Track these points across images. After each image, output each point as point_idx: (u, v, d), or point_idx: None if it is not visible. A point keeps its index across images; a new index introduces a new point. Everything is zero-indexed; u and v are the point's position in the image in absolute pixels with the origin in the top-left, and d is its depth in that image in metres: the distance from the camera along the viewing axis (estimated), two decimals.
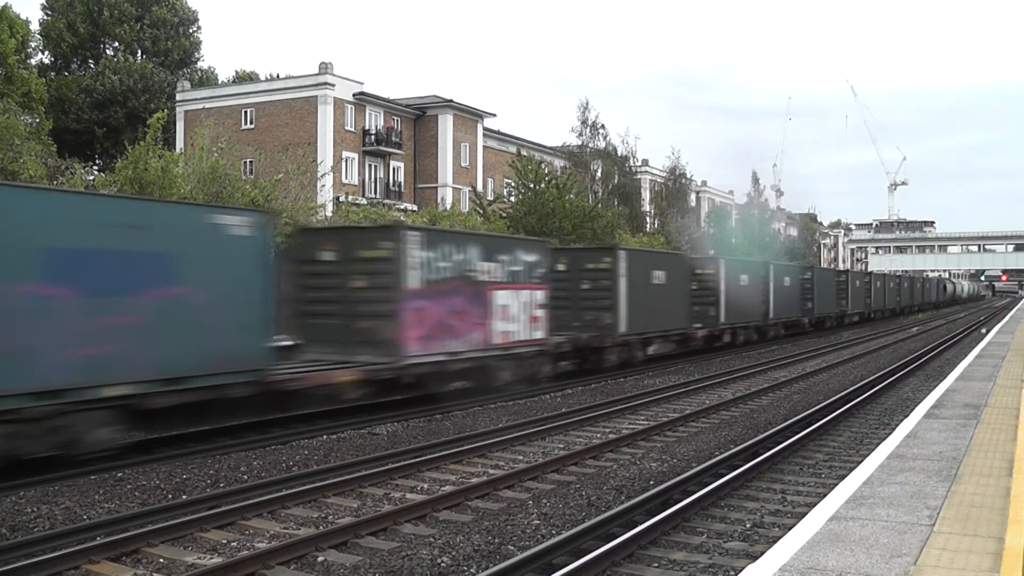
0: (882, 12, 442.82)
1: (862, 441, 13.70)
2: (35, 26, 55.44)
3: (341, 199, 39.73)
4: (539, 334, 19.55)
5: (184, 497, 10.17)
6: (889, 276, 66.77)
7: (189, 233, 12.46)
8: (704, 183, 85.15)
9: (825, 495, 7.77)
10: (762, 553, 6.18)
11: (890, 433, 11.10)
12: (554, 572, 7.31)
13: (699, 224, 69.30)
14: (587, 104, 64.66)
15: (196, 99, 51.28)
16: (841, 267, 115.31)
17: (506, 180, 47.65)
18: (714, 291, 29.35)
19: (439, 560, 7.99)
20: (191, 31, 61.64)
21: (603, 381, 21.70)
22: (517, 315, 18.80)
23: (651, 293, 24.52)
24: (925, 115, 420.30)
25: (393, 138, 52.73)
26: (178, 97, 52.28)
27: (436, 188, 53.50)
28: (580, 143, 56.20)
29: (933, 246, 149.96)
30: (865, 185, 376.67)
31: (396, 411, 16.23)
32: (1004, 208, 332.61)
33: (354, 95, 50.25)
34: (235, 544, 8.53)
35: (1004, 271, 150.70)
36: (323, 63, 49.24)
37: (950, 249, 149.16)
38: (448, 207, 44.90)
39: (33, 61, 53.31)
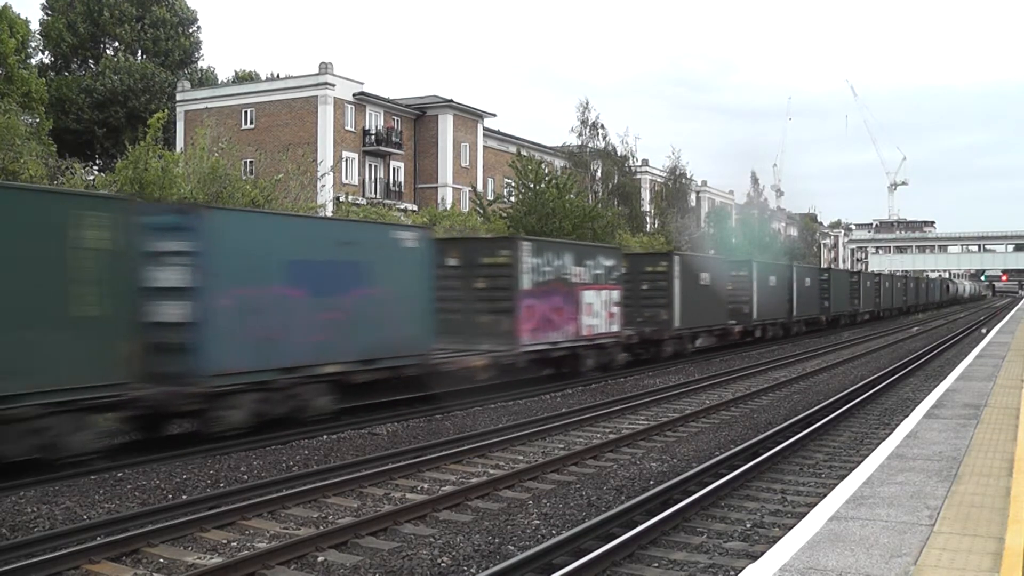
0: (882, 12, 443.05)
1: (862, 441, 13.71)
2: (35, 26, 55.48)
3: (341, 199, 39.74)
4: (615, 328, 22.85)
5: (184, 497, 10.17)
6: (896, 277, 70.02)
7: (378, 246, 15.72)
8: (704, 183, 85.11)
9: (825, 495, 7.77)
10: (762, 553, 6.19)
11: (890, 433, 11.10)
12: (554, 572, 7.31)
13: (699, 224, 69.27)
14: (587, 104, 64.59)
15: (196, 99, 51.29)
16: (841, 267, 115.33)
17: (506, 180, 47.64)
18: (748, 291, 32.41)
19: (439, 560, 7.99)
20: (191, 31, 61.65)
21: (603, 381, 21.72)
22: (599, 311, 22.08)
23: (698, 293, 27.73)
24: (925, 115, 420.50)
25: (393, 138, 52.73)
26: (178, 97, 52.28)
27: (436, 188, 53.51)
28: (580, 143, 56.18)
29: (933, 246, 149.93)
30: (865, 185, 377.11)
31: (396, 411, 16.25)
32: (1004, 208, 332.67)
33: (354, 95, 50.25)
34: (235, 544, 8.53)
35: (1004, 271, 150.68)
36: (323, 63, 49.25)
37: (950, 249, 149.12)
38: (448, 207, 44.91)
39: (33, 61, 53.30)
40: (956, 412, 11.71)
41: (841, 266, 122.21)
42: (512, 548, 8.34)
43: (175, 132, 50.01)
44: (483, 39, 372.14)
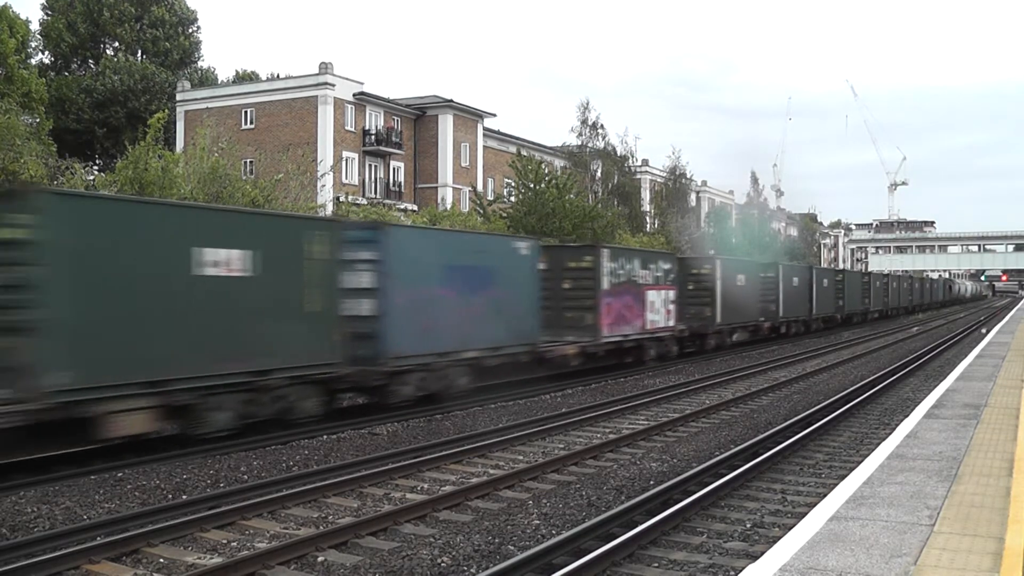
0: (882, 12, 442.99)
1: (862, 441, 13.70)
2: (35, 26, 55.42)
3: (341, 199, 39.74)
4: (671, 323, 26.24)
5: (184, 497, 10.17)
6: (903, 277, 74.42)
7: (502, 254, 19.11)
8: (704, 183, 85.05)
9: (825, 495, 7.76)
10: (762, 553, 6.18)
11: (890, 433, 11.10)
12: (554, 572, 7.31)
13: (699, 224, 69.26)
14: (587, 104, 64.61)
15: (196, 99, 51.27)
16: (841, 267, 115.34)
17: (506, 180, 47.64)
18: (775, 291, 35.54)
19: (439, 560, 7.99)
20: (191, 31, 61.63)
21: (603, 381, 21.73)
22: (659, 308, 25.50)
23: (735, 293, 30.87)
24: (925, 115, 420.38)
25: (393, 138, 52.70)
26: (178, 97, 52.25)
27: (436, 188, 53.48)
28: (580, 143, 56.15)
29: (933, 246, 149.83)
30: (865, 185, 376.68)
31: (396, 411, 16.25)
32: (1004, 208, 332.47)
33: (354, 95, 50.24)
34: (235, 544, 8.53)
35: (1004, 271, 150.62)
36: (323, 63, 49.22)
37: (950, 249, 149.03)
38: (448, 207, 44.90)
39: (33, 61, 53.22)
40: (956, 412, 11.71)
41: (841, 266, 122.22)
42: (512, 548, 8.34)
43: (175, 132, 49.98)
44: (483, 39, 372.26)
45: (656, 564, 7.92)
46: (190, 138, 38.59)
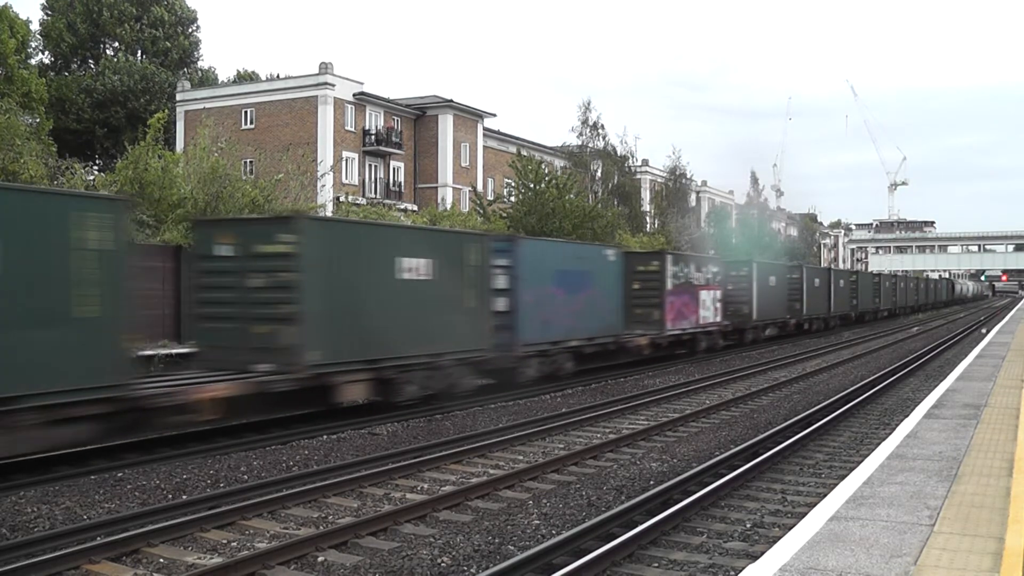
0: (882, 13, 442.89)
1: (862, 441, 13.70)
2: (35, 26, 55.40)
3: (341, 199, 39.75)
4: (718, 319, 29.59)
5: (184, 497, 10.17)
6: (910, 278, 78.14)
7: (595, 259, 22.80)
8: (704, 183, 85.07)
9: (825, 495, 7.76)
10: (762, 553, 6.18)
11: (890, 433, 11.09)
12: (554, 572, 7.30)
13: (699, 224, 69.29)
14: (589, 104, 64.57)
15: (196, 99, 51.28)
16: (841, 267, 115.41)
17: (506, 180, 47.63)
18: (799, 291, 39.03)
19: (439, 560, 7.99)
20: (190, 31, 61.63)
21: (603, 381, 21.74)
22: (709, 306, 28.75)
23: (768, 293, 34.62)
24: (925, 115, 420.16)
25: (393, 138, 52.71)
26: (178, 97, 52.27)
27: (436, 188, 53.50)
28: (580, 143, 56.14)
29: (933, 246, 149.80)
30: (865, 185, 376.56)
31: (396, 411, 16.25)
32: (1004, 208, 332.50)
33: (354, 95, 50.25)
34: (235, 544, 8.53)
35: (1004, 271, 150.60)
36: (323, 63, 49.23)
37: (950, 249, 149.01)
38: (448, 207, 44.90)
39: (33, 61, 53.22)
40: (956, 412, 11.71)
41: (841, 266, 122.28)
42: (512, 548, 8.34)
43: (175, 132, 49.99)
44: (483, 39, 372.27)
45: (656, 564, 7.92)
46: (190, 138, 38.60)
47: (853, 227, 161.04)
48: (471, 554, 8.16)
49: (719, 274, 29.76)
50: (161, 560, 8.07)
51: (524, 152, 40.34)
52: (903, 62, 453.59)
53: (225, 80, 62.53)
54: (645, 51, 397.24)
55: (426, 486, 10.90)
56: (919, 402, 14.26)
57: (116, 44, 57.60)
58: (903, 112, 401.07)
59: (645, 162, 73.13)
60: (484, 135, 58.12)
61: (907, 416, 12.13)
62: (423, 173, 54.66)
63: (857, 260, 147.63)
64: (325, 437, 13.98)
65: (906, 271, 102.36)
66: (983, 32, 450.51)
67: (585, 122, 55.81)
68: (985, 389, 14.22)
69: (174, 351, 18.66)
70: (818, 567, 5.44)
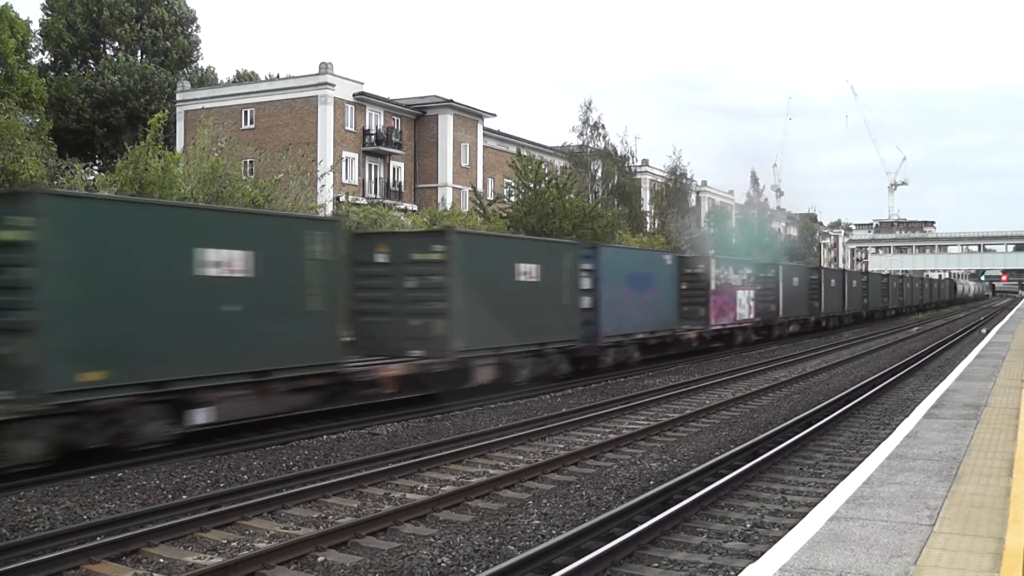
0: (882, 13, 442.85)
1: (862, 441, 13.70)
2: (35, 26, 55.36)
3: (341, 199, 39.75)
4: (751, 316, 32.96)
5: (184, 497, 10.17)
6: (915, 278, 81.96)
7: (656, 263, 26.24)
8: (704, 183, 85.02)
9: (825, 495, 7.76)
10: (762, 553, 6.18)
11: (890, 433, 11.09)
12: (554, 572, 7.31)
13: (699, 224, 69.24)
14: (590, 103, 64.47)
15: (196, 99, 51.24)
16: (840, 267, 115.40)
17: (506, 180, 47.61)
18: (818, 291, 42.13)
19: (439, 560, 7.99)
20: (190, 31, 61.62)
21: (603, 381, 21.74)
22: (744, 304, 32.02)
23: (792, 292, 37.75)
24: (925, 115, 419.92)
25: (393, 138, 52.69)
26: (178, 97, 52.23)
27: (436, 188, 53.47)
28: (581, 143, 56.09)
29: (933, 246, 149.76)
30: (865, 185, 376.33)
31: (396, 411, 16.26)
32: (1004, 208, 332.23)
33: (354, 95, 50.23)
34: (235, 544, 8.53)
35: (1004, 271, 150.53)
36: (323, 63, 49.21)
37: (950, 249, 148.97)
38: (448, 207, 44.87)
39: (33, 61, 53.16)
40: (956, 412, 11.71)
41: (841, 266, 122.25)
42: (512, 548, 8.34)
43: (175, 132, 49.97)
44: (483, 39, 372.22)
45: (656, 564, 7.92)
46: (190, 138, 38.58)
47: (853, 227, 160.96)
48: (471, 554, 8.17)
49: (752, 276, 32.76)
50: (161, 560, 8.07)
51: (524, 152, 40.31)
52: (903, 62, 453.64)
53: (225, 80, 62.52)
54: (645, 51, 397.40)
55: (426, 486, 10.90)
56: (919, 402, 14.26)
57: (116, 44, 57.58)
58: (903, 112, 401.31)
59: (645, 162, 73.09)
60: (484, 135, 58.10)
61: (907, 416, 12.12)
62: (423, 173, 54.65)
63: (857, 260, 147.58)
64: (325, 437, 13.98)
65: (906, 271, 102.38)
66: (983, 32, 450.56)
67: (586, 122, 55.75)
68: (985, 389, 14.21)
69: None
70: (818, 567, 5.44)
